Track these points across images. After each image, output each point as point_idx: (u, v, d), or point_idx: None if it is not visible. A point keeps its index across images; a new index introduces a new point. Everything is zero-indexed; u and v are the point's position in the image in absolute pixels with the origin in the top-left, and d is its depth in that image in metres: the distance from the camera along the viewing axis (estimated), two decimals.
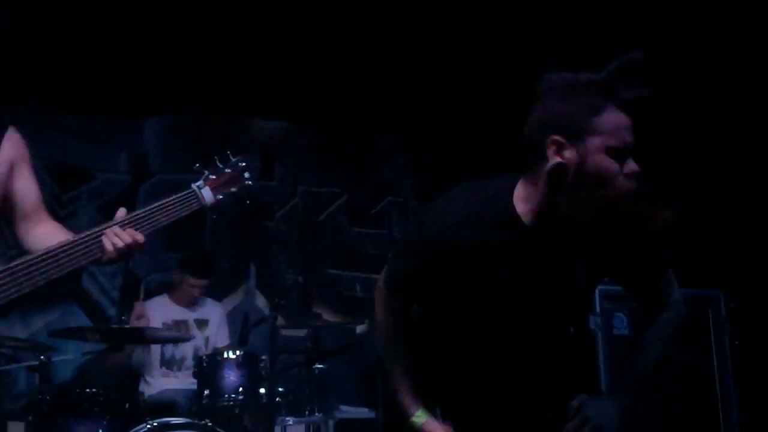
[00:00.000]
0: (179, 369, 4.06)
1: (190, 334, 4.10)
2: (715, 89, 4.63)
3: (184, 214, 1.99)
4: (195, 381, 3.55)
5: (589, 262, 1.74)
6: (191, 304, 4.21)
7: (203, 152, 5.60)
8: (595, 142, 1.57)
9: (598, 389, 1.91)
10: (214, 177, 2.06)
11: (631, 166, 1.58)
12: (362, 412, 4.43)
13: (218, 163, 2.10)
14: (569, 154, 1.58)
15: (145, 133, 5.19)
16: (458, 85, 5.10)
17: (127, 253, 1.89)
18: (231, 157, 2.13)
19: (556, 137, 1.59)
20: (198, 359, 3.61)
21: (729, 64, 4.46)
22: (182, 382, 3.97)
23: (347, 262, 5.49)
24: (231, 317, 4.53)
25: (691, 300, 3.93)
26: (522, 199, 1.70)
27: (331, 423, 4.07)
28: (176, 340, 3.99)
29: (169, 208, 1.96)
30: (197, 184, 2.03)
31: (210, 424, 3.18)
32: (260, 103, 5.19)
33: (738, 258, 4.41)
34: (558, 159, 1.59)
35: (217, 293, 4.68)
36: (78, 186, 4.95)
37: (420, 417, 1.84)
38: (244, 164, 2.12)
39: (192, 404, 3.54)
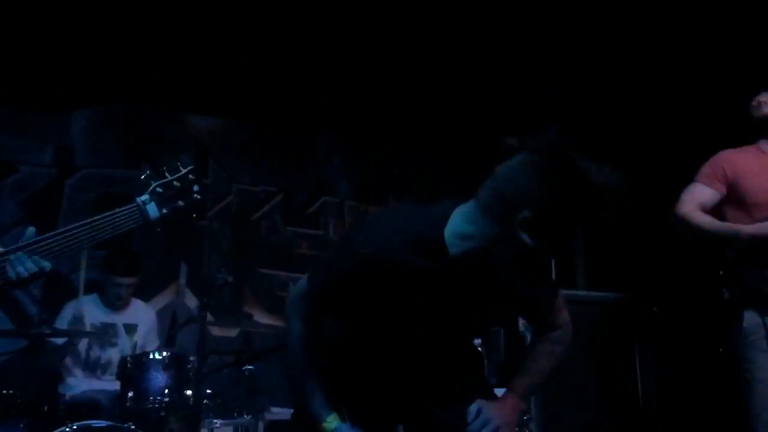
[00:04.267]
0: (103, 373, 3.93)
1: (117, 339, 3.98)
2: (634, 99, 4.78)
3: (125, 229, 1.91)
4: (119, 383, 3.45)
5: (497, 298, 1.86)
6: (121, 306, 4.06)
7: (133, 147, 5.49)
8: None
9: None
10: (160, 190, 1.97)
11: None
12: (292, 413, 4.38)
13: (166, 174, 2.00)
14: None
15: (72, 125, 5.02)
16: (396, 87, 5.12)
17: (31, 280, 1.81)
18: (181, 167, 2.03)
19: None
20: (122, 360, 3.51)
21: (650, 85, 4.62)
22: (106, 384, 3.84)
23: (281, 262, 5.44)
24: (160, 316, 4.41)
25: (615, 303, 4.06)
26: (458, 234, 1.75)
27: (261, 425, 4.00)
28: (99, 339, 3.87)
29: (109, 223, 1.88)
30: (142, 198, 1.94)
31: (133, 427, 3.08)
32: (195, 98, 5.09)
33: (662, 262, 4.56)
34: None
35: (146, 292, 4.56)
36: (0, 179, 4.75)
37: (331, 422, 1.86)
38: (193, 177, 2.03)
39: (115, 406, 3.44)
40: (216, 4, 4.31)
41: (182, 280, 5.10)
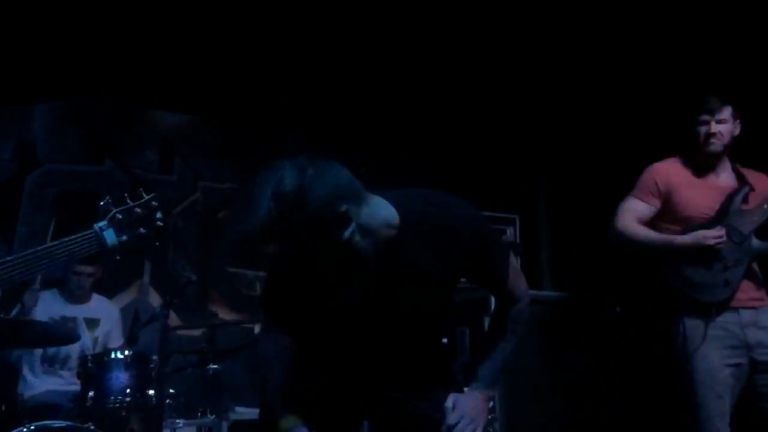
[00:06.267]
0: (62, 368, 3.89)
1: (77, 333, 3.91)
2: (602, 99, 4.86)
3: (81, 256, 1.91)
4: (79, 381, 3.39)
5: (438, 268, 1.80)
6: (82, 300, 4.03)
7: (97, 143, 5.40)
8: None
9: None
10: (120, 217, 1.95)
11: None
12: (258, 413, 4.34)
13: (128, 200, 1.99)
14: None
15: (34, 119, 4.92)
16: (366, 87, 5.12)
17: None
18: (143, 194, 2.03)
19: None
20: (83, 359, 3.46)
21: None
22: (66, 381, 3.80)
23: (248, 260, 5.39)
24: (123, 315, 4.36)
25: (579, 303, 4.12)
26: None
27: (224, 424, 3.97)
28: (60, 342, 3.79)
29: (64, 250, 1.87)
30: (100, 224, 1.92)
31: (93, 427, 3.04)
32: (161, 94, 5.03)
33: (626, 262, 4.63)
34: None
35: (109, 290, 4.50)
36: None
37: (287, 422, 1.83)
38: (156, 204, 2.02)
39: (75, 406, 3.38)
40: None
41: (146, 279, 5.04)
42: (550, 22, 4.41)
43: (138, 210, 1.99)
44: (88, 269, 3.95)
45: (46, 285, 4.11)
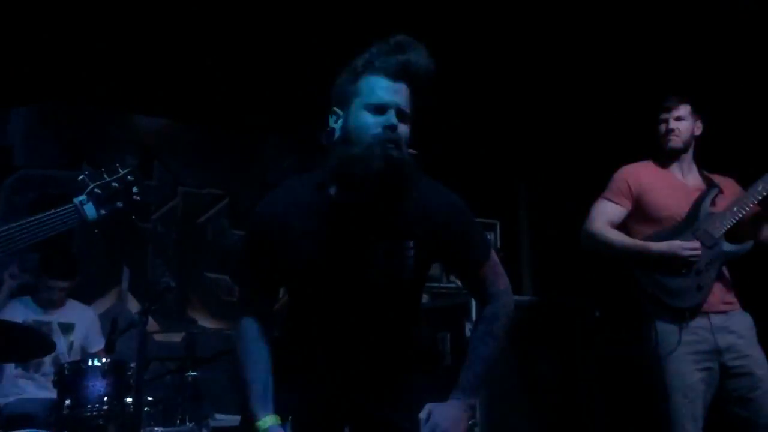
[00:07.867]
0: (36, 371, 3.84)
1: (52, 338, 3.87)
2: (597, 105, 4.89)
3: (61, 230, 1.93)
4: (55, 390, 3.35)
5: (418, 241, 1.85)
6: (55, 306, 3.99)
7: (75, 147, 5.34)
8: (355, 102, 1.83)
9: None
10: (98, 191, 1.98)
11: (388, 118, 1.79)
12: (238, 420, 4.31)
13: (105, 175, 2.03)
14: (337, 119, 1.86)
15: (11, 123, 4.86)
16: None
17: None
18: (120, 169, 2.07)
19: (334, 108, 1.89)
20: (59, 367, 3.42)
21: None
22: (40, 386, 3.76)
23: (228, 266, 5.36)
24: (101, 322, 4.31)
25: (559, 308, 4.13)
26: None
27: None
28: (36, 351, 3.75)
29: (45, 224, 1.89)
30: (80, 198, 1.96)
31: None
32: (140, 97, 4.99)
33: (603, 267, 4.66)
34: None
35: (87, 296, 4.46)
36: None
37: (264, 423, 1.82)
38: (132, 178, 2.06)
39: (51, 415, 3.34)
40: (162, 2, 4.24)
41: (124, 285, 4.99)
42: (528, 28, 4.43)
43: (115, 184, 2.04)
44: (62, 284, 3.92)
45: (20, 292, 4.07)
